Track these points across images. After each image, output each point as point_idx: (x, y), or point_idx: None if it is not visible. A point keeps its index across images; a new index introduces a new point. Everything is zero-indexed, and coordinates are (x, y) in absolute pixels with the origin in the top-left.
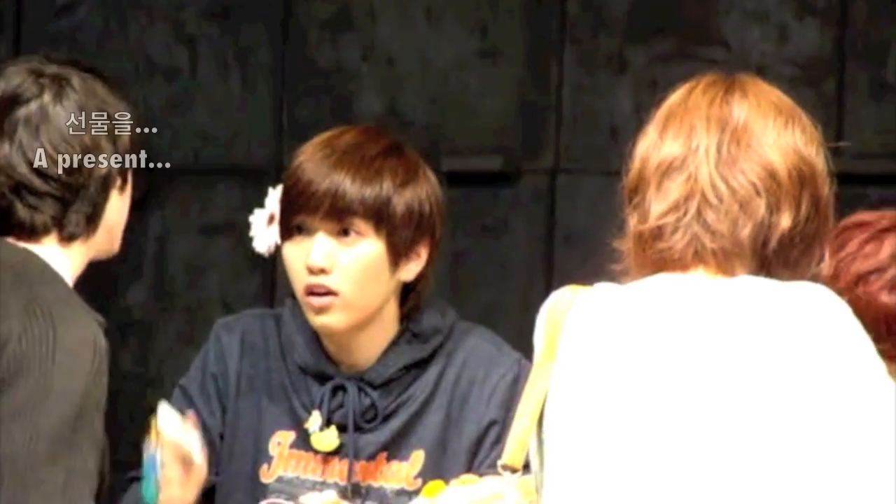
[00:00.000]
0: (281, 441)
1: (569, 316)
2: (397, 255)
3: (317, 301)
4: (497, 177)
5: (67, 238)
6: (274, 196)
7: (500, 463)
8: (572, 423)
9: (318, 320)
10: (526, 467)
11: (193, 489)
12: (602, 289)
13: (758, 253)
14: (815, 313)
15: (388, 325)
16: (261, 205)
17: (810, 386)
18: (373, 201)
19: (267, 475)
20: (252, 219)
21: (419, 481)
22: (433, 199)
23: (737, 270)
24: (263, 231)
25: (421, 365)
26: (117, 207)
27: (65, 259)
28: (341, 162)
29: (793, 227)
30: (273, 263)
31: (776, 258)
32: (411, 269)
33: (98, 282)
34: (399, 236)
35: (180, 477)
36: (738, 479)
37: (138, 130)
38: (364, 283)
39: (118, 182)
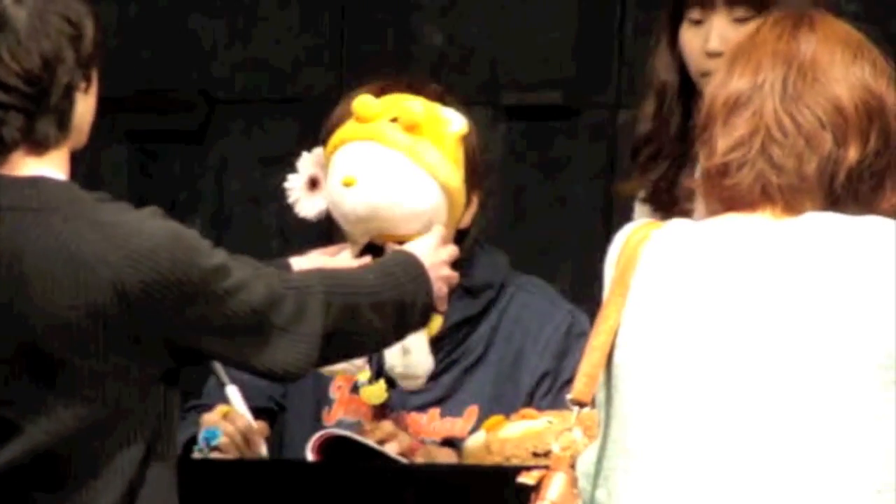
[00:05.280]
0: (342, 385)
1: (643, 251)
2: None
3: None
4: (557, 111)
5: (38, 149)
6: (308, 159)
7: (568, 397)
8: (646, 360)
9: None
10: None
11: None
12: (676, 225)
13: (826, 188)
14: (882, 246)
15: None
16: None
17: (878, 318)
18: None
19: (328, 418)
20: (288, 185)
21: None
22: (480, 146)
23: (805, 207)
24: (305, 198)
25: (472, 321)
26: (84, 107)
27: (52, 172)
28: None
29: (861, 160)
30: None
31: (845, 193)
32: (465, 218)
33: None
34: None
35: (237, 449)
36: (808, 421)
37: (99, 34)
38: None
39: (82, 85)
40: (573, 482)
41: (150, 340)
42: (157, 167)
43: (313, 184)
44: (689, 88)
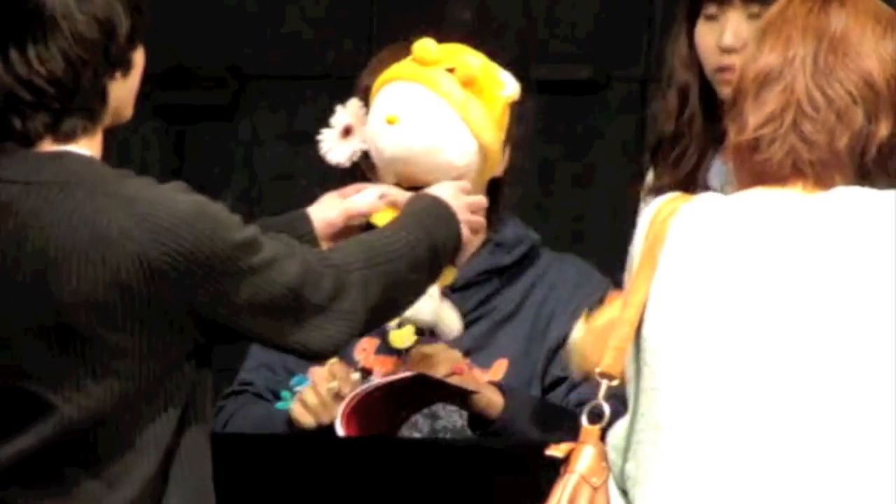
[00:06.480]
0: (366, 347)
1: (672, 224)
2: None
3: None
4: (587, 85)
5: (66, 139)
6: (343, 111)
7: (597, 370)
8: (675, 334)
9: None
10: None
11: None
12: (706, 199)
13: (856, 163)
14: None
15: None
16: None
17: None
18: None
19: None
20: (321, 137)
21: None
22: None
23: (835, 182)
24: (338, 145)
25: (505, 274)
26: (123, 90)
27: (78, 150)
28: None
29: (892, 135)
30: (362, 171)
31: (876, 168)
32: (498, 168)
33: None
34: None
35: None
36: (837, 396)
37: (135, 21)
38: None
39: (118, 74)
40: (602, 455)
41: (176, 315)
42: (187, 143)
43: (347, 132)
44: (709, 84)
